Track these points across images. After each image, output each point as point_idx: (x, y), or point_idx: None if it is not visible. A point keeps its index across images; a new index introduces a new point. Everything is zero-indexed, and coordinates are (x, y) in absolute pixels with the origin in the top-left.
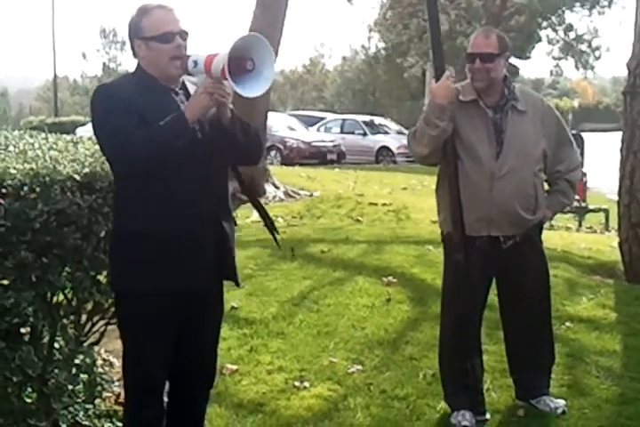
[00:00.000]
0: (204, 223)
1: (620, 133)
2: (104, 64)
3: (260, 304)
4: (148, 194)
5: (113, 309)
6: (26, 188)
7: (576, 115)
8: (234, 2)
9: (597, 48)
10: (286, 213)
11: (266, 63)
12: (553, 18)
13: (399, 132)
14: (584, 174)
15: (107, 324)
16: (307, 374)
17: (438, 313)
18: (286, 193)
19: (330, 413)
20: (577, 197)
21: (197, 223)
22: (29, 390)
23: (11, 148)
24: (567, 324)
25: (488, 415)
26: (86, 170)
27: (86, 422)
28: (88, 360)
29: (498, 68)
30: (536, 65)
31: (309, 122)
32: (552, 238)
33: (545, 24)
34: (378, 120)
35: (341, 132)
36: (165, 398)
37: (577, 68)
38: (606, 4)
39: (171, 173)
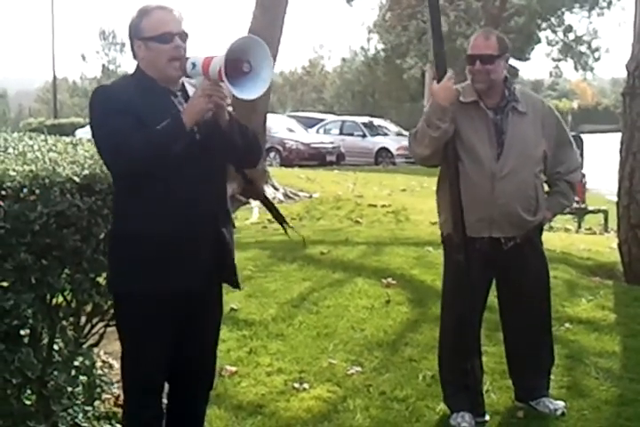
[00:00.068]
0: (204, 224)
1: (619, 135)
2: (103, 66)
3: (260, 306)
4: (148, 194)
5: (112, 311)
6: (25, 190)
7: (575, 116)
8: (234, 2)
9: (597, 49)
10: (285, 214)
11: (263, 65)
12: (552, 19)
13: (398, 134)
14: (583, 175)
15: (106, 326)
16: (306, 375)
17: (438, 315)
18: (285, 195)
19: (329, 414)
20: (576, 198)
21: (197, 224)
22: (29, 392)
23: (10, 149)
24: (566, 325)
25: (487, 417)
26: (86, 172)
27: (85, 424)
28: (87, 362)
29: (498, 69)
30: (535, 66)
31: (309, 123)
32: (551, 240)
33: (544, 25)
34: (377, 121)
35: (341, 133)
36: (165, 400)
37: (576, 69)
38: (605, 5)
39: (170, 173)
